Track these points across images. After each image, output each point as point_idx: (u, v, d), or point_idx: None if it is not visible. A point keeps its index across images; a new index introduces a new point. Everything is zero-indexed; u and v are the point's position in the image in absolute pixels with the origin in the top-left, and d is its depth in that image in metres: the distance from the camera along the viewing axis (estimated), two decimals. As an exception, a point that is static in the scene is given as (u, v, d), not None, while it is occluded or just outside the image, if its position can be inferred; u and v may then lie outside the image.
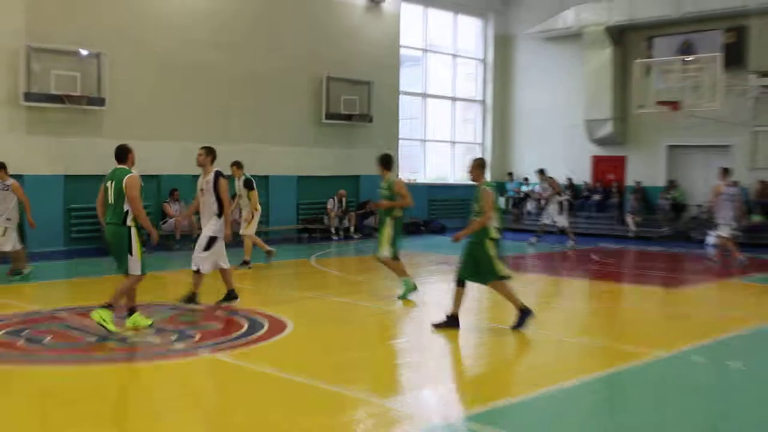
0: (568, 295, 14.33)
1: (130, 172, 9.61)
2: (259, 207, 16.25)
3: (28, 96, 18.22)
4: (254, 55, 22.26)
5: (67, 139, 18.84)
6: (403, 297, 12.14)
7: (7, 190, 14.35)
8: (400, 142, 26.79)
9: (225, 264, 11.46)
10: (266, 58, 22.51)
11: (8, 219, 14.28)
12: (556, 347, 9.52)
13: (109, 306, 9.37)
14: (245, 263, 15.79)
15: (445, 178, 29.19)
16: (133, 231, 9.54)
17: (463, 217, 27.59)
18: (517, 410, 6.79)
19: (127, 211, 9.48)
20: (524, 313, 9.84)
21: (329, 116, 23.85)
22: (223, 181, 11.19)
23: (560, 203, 21.86)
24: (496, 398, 7.11)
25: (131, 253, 9.54)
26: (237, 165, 16.15)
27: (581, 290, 14.99)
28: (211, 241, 11.17)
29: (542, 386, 7.41)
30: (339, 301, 12.05)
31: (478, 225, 9.73)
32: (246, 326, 10.01)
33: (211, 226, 11.22)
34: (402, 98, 26.96)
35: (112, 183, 9.57)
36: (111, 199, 9.55)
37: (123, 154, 9.80)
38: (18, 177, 17.43)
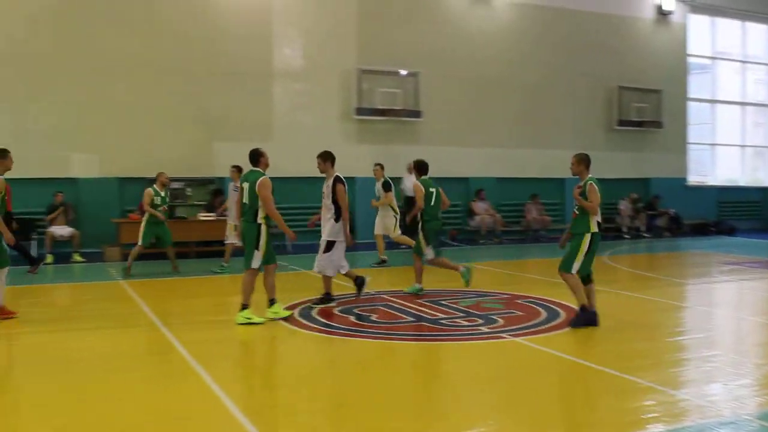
0: None
1: (263, 175, 9.48)
2: (397, 208, 15.36)
3: (359, 111, 19.50)
4: (543, 68, 22.24)
5: (390, 146, 19.78)
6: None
7: (237, 191, 15.02)
8: (690, 146, 25.38)
9: (343, 269, 10.77)
10: (555, 70, 22.36)
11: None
12: None
13: (271, 301, 9.61)
14: (382, 262, 15.22)
15: (735, 180, 27.21)
16: (263, 228, 9.42)
17: (754, 218, 25.96)
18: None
19: (257, 210, 9.39)
20: (584, 313, 9.00)
21: (620, 123, 23.18)
22: (340, 186, 10.35)
23: None
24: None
25: (257, 248, 9.40)
26: (380, 166, 15.58)
27: None
28: (330, 245, 10.50)
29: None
30: (630, 295, 11.60)
31: (591, 209, 8.88)
32: (544, 314, 9.93)
33: (329, 230, 10.53)
34: (691, 104, 25.51)
35: (246, 184, 9.52)
36: (246, 198, 9.49)
37: (255, 158, 9.65)
38: (350, 179, 18.60)
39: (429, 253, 11.47)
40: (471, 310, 10.22)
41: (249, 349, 8.48)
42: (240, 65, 18.60)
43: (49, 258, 15.91)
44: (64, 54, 17.29)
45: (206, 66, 18.35)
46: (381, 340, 8.68)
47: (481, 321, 9.51)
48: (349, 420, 5.87)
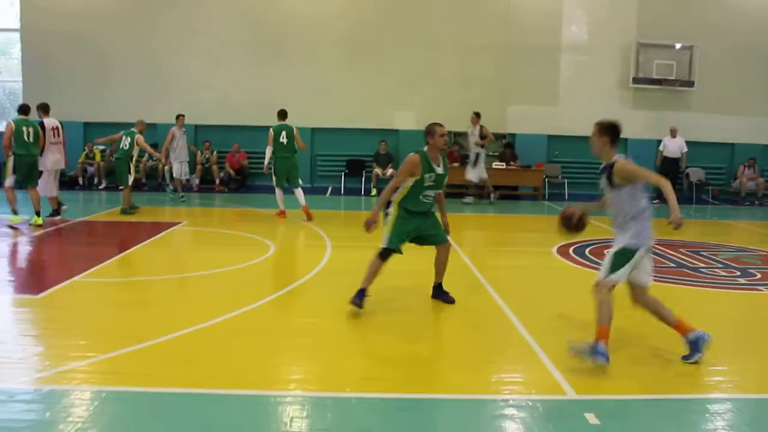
0: None
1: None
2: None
3: (635, 80, 18.68)
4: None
5: (662, 112, 18.85)
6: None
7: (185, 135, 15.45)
8: None
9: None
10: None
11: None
12: None
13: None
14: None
15: None
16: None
17: None
18: None
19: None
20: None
21: None
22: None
23: None
24: None
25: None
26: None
27: None
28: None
29: None
30: None
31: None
32: (802, 273, 9.09)
33: None
34: None
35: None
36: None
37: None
38: (623, 140, 18.02)
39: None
40: (729, 263, 9.69)
41: (528, 275, 8.73)
42: (534, 40, 18.59)
43: (374, 192, 17.31)
44: (397, 32, 18.51)
45: (506, 42, 18.63)
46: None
47: (738, 273, 8.99)
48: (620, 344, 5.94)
